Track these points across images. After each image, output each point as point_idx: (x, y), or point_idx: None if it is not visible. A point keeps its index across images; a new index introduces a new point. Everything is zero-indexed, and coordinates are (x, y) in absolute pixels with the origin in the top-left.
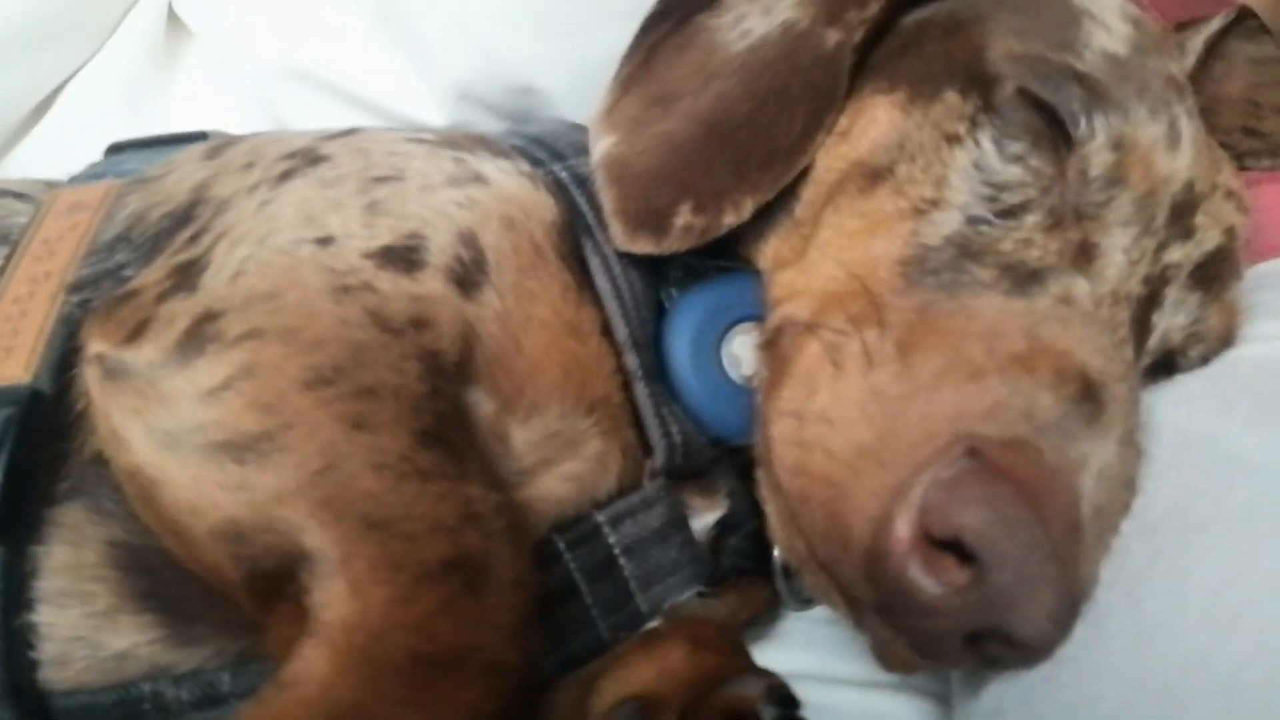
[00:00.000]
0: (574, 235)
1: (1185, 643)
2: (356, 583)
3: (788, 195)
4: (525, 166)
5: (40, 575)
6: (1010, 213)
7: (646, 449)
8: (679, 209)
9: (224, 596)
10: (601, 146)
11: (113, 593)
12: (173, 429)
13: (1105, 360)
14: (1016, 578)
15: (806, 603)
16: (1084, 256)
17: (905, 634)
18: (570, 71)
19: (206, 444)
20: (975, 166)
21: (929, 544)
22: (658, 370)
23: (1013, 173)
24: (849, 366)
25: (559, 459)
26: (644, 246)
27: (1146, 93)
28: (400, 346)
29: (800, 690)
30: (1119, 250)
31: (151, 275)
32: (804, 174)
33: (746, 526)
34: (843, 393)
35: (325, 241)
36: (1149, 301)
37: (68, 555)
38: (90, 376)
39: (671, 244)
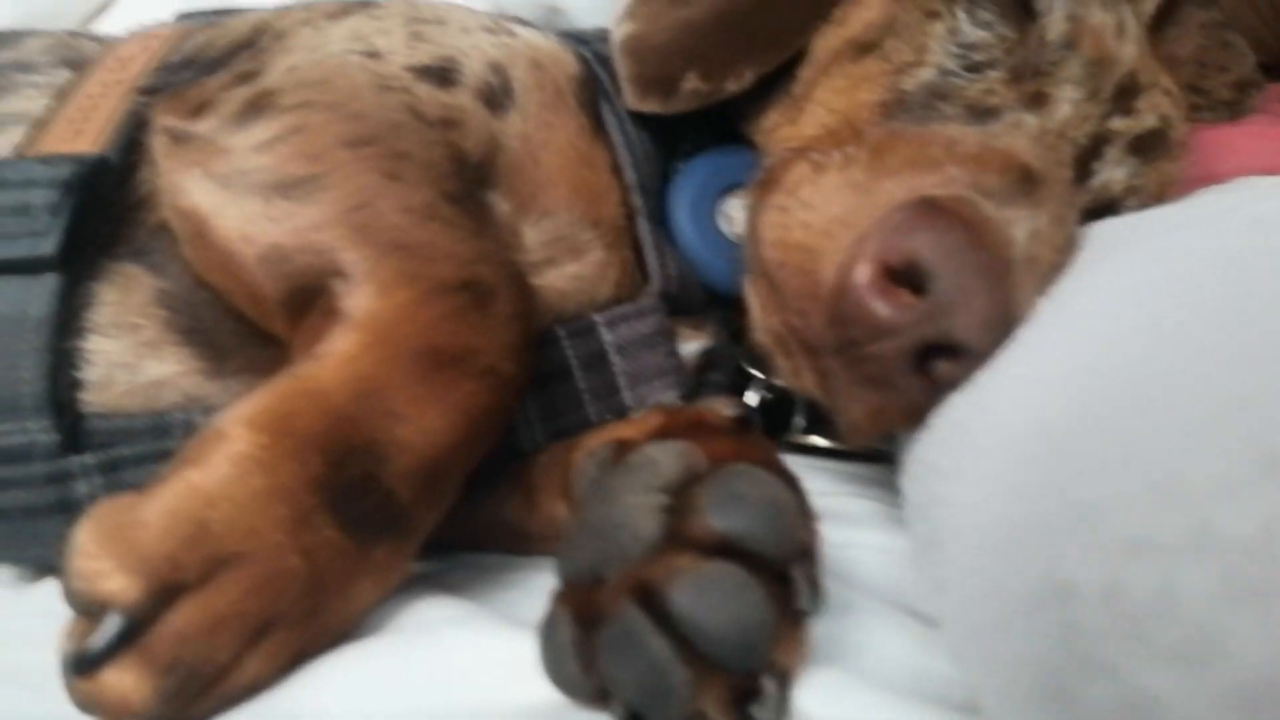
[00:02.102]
0: (592, 92)
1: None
2: (382, 286)
3: (786, 77)
4: (553, 37)
5: (93, 308)
6: (976, 67)
7: (644, 279)
8: (687, 75)
9: (257, 333)
10: (622, 30)
11: (159, 326)
12: (228, 173)
13: (1045, 164)
14: (957, 286)
15: (781, 445)
16: (1036, 102)
17: (863, 368)
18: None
19: (258, 183)
20: (950, 33)
21: (885, 279)
22: (660, 219)
23: (981, 35)
24: (830, 168)
25: (564, 260)
26: (652, 106)
27: None
28: (432, 134)
29: None
30: (1067, 101)
31: (215, 79)
32: (801, 58)
33: (728, 365)
34: (822, 184)
35: (371, 54)
36: (1091, 151)
37: (119, 295)
38: (158, 144)
39: (678, 105)
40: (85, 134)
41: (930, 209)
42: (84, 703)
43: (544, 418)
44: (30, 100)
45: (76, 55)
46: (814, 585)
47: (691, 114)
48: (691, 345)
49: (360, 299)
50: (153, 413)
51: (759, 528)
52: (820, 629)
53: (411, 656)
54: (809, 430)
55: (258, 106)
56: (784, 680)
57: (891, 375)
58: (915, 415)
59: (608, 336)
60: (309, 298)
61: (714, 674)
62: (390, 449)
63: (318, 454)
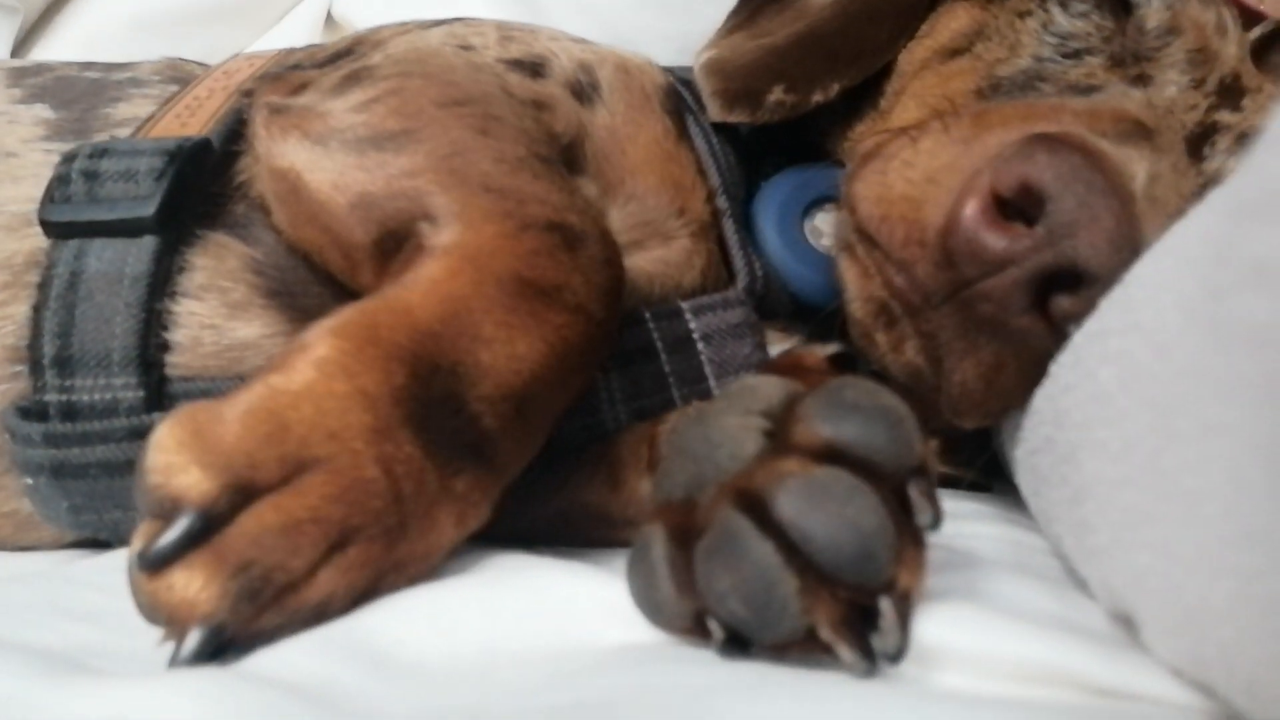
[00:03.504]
0: (677, 103)
1: None
2: (470, 223)
3: (872, 92)
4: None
5: (186, 273)
6: (1074, 54)
7: (730, 277)
8: (773, 88)
9: (344, 296)
10: (704, 56)
11: (247, 289)
12: (324, 131)
13: (1157, 123)
14: (1078, 203)
15: None
16: (1140, 82)
17: (976, 311)
18: (674, 44)
19: (353, 139)
20: (1044, 27)
21: (998, 212)
22: (746, 228)
23: (1077, 25)
24: (930, 133)
25: (650, 244)
26: (739, 116)
27: None
28: (524, 110)
29: None
30: (1172, 84)
31: (316, 70)
32: (887, 74)
33: None
34: (922, 146)
35: (465, 47)
36: (1201, 138)
37: (212, 262)
38: (258, 119)
39: (764, 116)
40: (190, 126)
41: (1044, 138)
42: (148, 604)
43: (628, 397)
44: (141, 107)
45: (184, 75)
46: (932, 500)
47: (773, 136)
48: (781, 348)
49: (448, 234)
50: (235, 376)
51: (872, 435)
52: (945, 578)
53: (497, 595)
54: None
55: (356, 78)
56: (904, 602)
57: (1008, 315)
58: (1032, 365)
59: (693, 323)
60: (398, 242)
61: (826, 588)
62: (475, 372)
63: (401, 366)
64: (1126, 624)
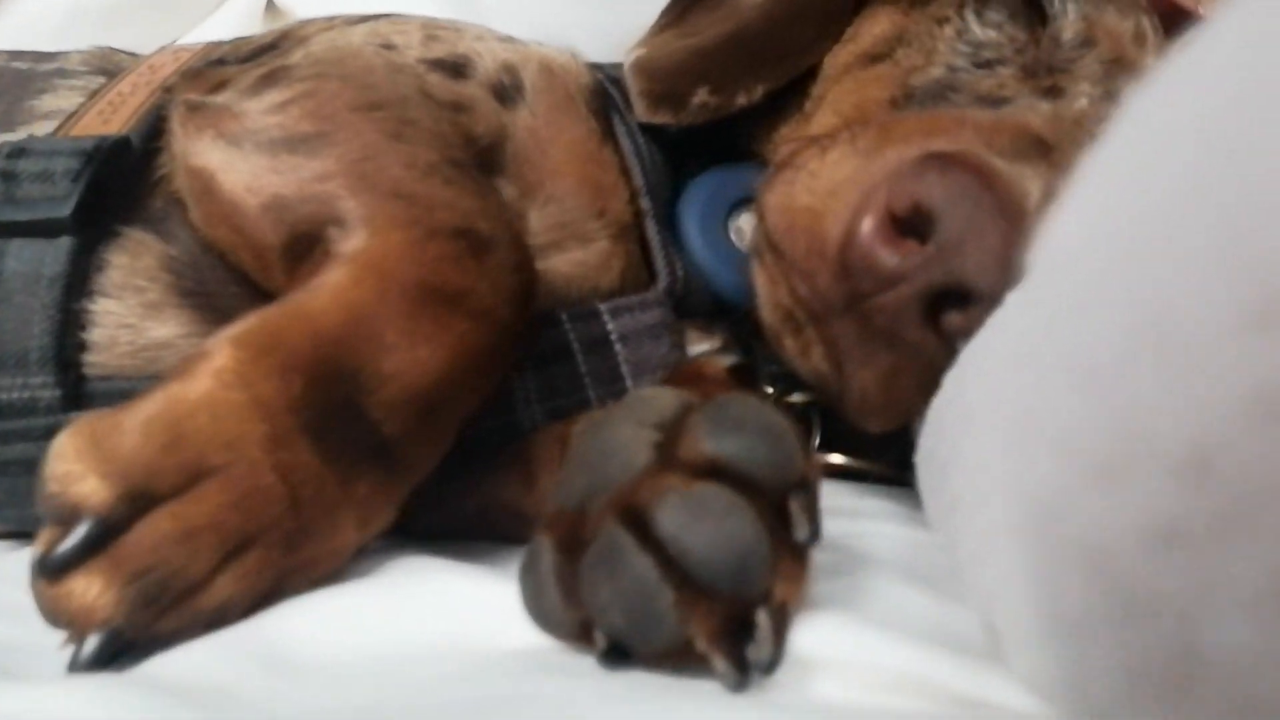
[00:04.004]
0: (603, 103)
1: None
2: (376, 229)
3: (798, 94)
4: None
5: (103, 272)
6: (986, 64)
7: (651, 278)
8: (697, 90)
9: (260, 297)
10: (633, 55)
11: (163, 289)
12: (239, 132)
13: (1060, 139)
14: (965, 224)
15: None
16: (1051, 94)
17: (872, 322)
18: (607, 43)
19: (267, 140)
20: (958, 34)
21: (892, 229)
22: (669, 228)
23: (990, 35)
24: (837, 144)
25: (568, 245)
26: (664, 117)
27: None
28: (441, 113)
29: None
30: (1084, 95)
31: (236, 66)
32: (813, 76)
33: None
34: (829, 157)
35: (387, 46)
36: None
37: (128, 260)
38: (175, 117)
39: (688, 117)
40: (112, 123)
41: (937, 157)
42: (49, 610)
43: (543, 398)
44: (66, 99)
45: (113, 65)
46: (812, 516)
47: (700, 136)
48: (699, 347)
49: (355, 241)
50: (152, 375)
51: (753, 452)
52: (830, 585)
53: (398, 598)
54: (825, 448)
55: (273, 78)
56: (781, 615)
57: (901, 328)
58: (928, 375)
59: (610, 324)
60: (309, 245)
61: (704, 601)
62: (376, 378)
63: (299, 375)
64: (994, 634)
